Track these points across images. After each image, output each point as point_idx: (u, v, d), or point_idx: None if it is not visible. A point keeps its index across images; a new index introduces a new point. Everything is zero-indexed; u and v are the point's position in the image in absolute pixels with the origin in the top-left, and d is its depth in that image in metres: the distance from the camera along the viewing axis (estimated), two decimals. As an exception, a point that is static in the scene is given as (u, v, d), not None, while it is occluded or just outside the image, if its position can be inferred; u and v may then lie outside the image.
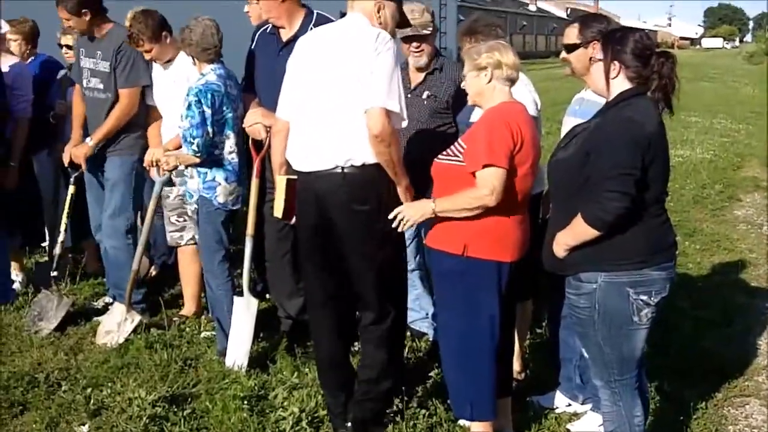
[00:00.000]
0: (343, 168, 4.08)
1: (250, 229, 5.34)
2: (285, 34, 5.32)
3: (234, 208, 5.55)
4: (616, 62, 3.76)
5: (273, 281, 5.89)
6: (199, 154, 5.30)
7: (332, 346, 4.48)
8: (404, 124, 4.17)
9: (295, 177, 4.38)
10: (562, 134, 4.55)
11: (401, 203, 4.14)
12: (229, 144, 5.42)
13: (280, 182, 4.51)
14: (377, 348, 4.37)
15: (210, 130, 5.27)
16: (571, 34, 4.53)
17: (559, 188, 3.91)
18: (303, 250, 4.43)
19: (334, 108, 4.10)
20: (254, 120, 5.29)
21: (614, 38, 3.82)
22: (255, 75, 5.56)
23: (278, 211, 4.55)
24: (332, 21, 4.82)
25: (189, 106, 5.25)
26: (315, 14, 5.34)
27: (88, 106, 6.20)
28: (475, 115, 4.62)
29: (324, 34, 4.35)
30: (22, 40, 7.20)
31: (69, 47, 6.95)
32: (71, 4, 5.93)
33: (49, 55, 7.42)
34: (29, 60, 7.24)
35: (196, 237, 5.98)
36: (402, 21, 4.47)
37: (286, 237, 5.48)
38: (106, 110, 6.03)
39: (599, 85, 3.85)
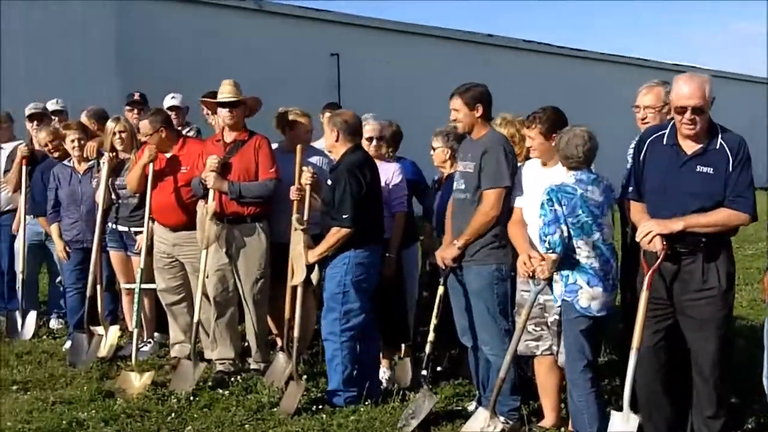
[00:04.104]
0: None
1: (636, 341, 5.15)
2: (690, 147, 5.21)
3: (598, 314, 5.43)
4: None
5: (641, 395, 5.61)
6: (551, 252, 5.31)
7: None
8: None
9: None
10: None
11: None
12: (587, 248, 5.38)
13: None
14: None
15: (564, 228, 5.28)
16: None
17: None
18: None
19: None
20: (648, 230, 5.16)
21: None
22: (645, 185, 5.42)
23: None
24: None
25: (542, 205, 5.36)
26: (718, 126, 5.26)
27: (453, 208, 6.29)
28: None
29: None
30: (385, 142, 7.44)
31: None
32: (470, 95, 6.09)
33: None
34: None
35: (553, 348, 5.87)
36: None
37: (659, 351, 5.31)
38: (466, 211, 6.08)
39: None
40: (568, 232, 5.34)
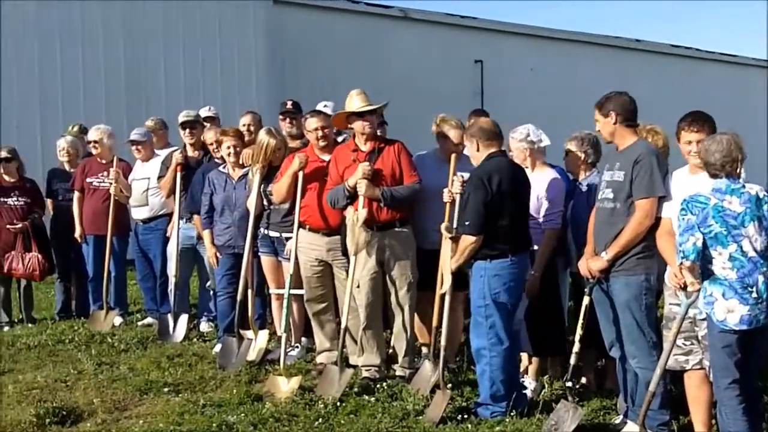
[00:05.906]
0: None
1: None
2: None
3: (737, 328, 5.23)
4: None
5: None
6: (683, 261, 5.22)
7: None
8: None
9: None
10: None
11: None
12: (722, 259, 5.23)
13: None
14: None
15: (698, 236, 5.19)
16: None
17: None
18: None
19: None
20: None
21: None
22: None
23: None
24: None
25: (679, 216, 5.28)
26: None
27: (597, 217, 6.20)
28: None
29: None
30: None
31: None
32: (608, 106, 6.05)
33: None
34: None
35: (704, 363, 5.70)
36: None
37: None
38: (613, 220, 5.98)
39: None
40: (703, 240, 5.22)
